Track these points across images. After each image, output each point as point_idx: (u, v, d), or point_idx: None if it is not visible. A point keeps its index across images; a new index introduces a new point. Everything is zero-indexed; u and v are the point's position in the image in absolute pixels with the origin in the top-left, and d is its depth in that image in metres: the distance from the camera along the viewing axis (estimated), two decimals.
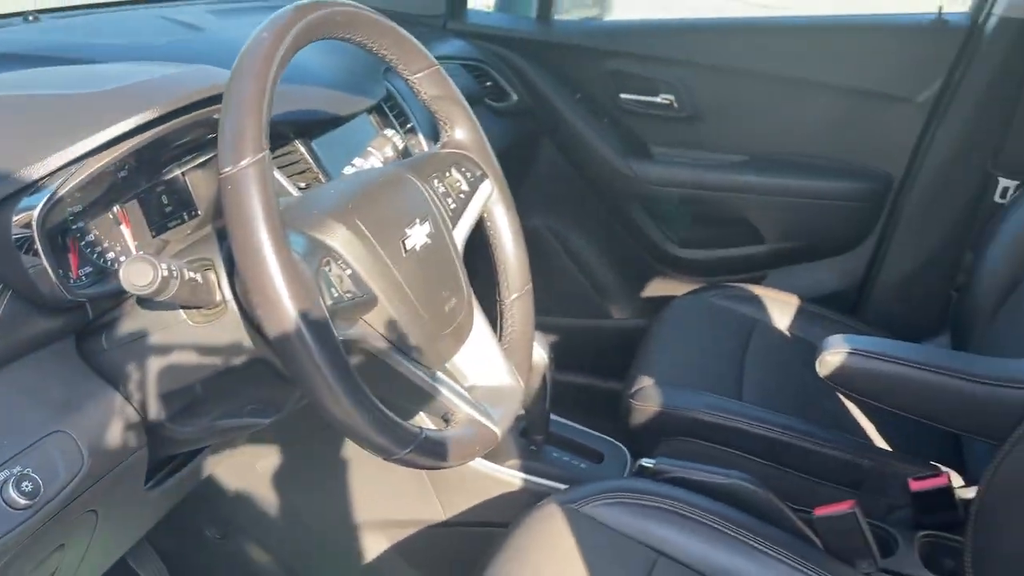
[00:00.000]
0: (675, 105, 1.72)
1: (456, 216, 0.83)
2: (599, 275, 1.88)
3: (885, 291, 1.66)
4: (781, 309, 1.56)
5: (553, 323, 1.90)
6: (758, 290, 1.60)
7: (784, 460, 1.20)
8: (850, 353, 0.96)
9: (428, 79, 0.83)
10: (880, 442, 1.24)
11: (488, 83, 1.72)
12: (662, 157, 1.77)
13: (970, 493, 1.14)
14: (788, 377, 1.38)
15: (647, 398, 1.27)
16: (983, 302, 1.40)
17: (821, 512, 0.99)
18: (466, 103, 0.88)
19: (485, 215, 0.89)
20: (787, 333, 1.52)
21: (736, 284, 1.61)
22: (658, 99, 1.73)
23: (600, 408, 1.63)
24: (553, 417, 1.22)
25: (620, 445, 1.23)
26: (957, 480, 1.15)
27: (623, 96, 1.76)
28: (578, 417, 1.40)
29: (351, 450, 1.18)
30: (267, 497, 1.25)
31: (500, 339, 0.87)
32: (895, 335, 1.54)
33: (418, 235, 0.74)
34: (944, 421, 0.98)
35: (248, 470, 1.23)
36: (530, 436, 1.17)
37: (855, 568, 0.98)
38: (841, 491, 1.18)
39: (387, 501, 1.19)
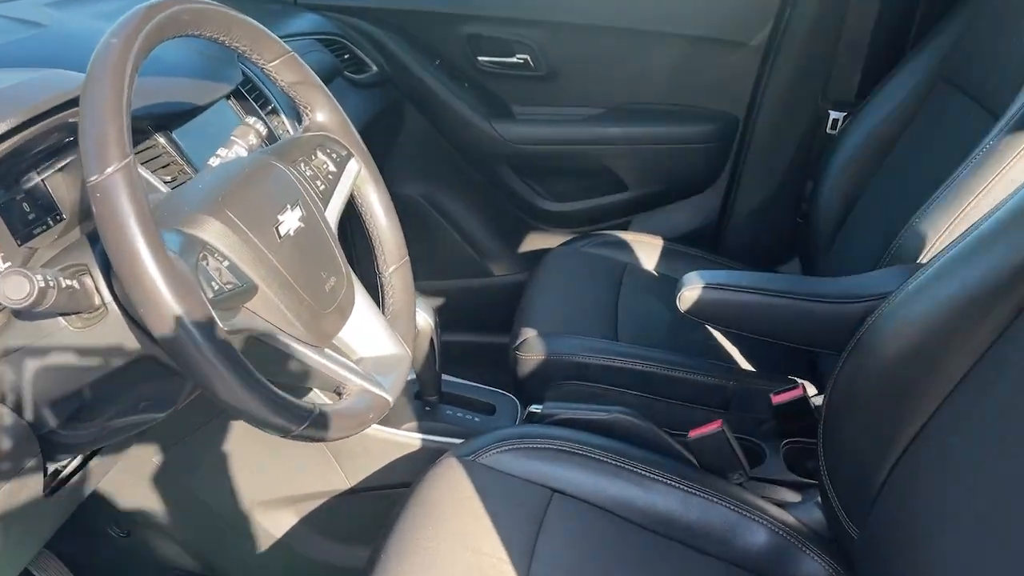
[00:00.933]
0: (531, 64, 1.77)
1: (326, 197, 0.86)
2: (476, 236, 1.94)
3: (739, 225, 1.78)
4: (647, 251, 1.66)
5: (437, 286, 1.95)
6: (625, 235, 1.69)
7: (659, 390, 1.29)
8: (705, 287, 1.06)
9: (283, 66, 0.85)
10: (744, 364, 1.36)
11: (346, 56, 1.72)
12: (524, 116, 1.83)
13: (823, 400, 1.27)
14: (658, 313, 1.48)
15: (531, 349, 1.34)
16: (823, 227, 1.54)
17: (694, 434, 1.09)
18: (323, 86, 0.90)
19: (355, 193, 0.93)
20: (654, 272, 1.62)
21: (605, 232, 1.70)
22: (514, 59, 1.78)
23: (489, 362, 1.70)
24: (444, 377, 1.27)
25: (510, 396, 1.30)
26: (812, 390, 1.28)
27: (480, 59, 1.80)
28: (469, 372, 1.46)
29: (250, 432, 1.20)
30: (169, 488, 1.25)
31: (383, 311, 0.91)
32: (750, 264, 1.67)
33: (290, 220, 0.77)
34: (792, 339, 1.09)
35: (145, 464, 1.23)
36: (424, 398, 1.22)
37: (728, 479, 1.08)
38: (712, 412, 1.29)
39: (291, 477, 1.22)
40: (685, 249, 1.67)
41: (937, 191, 1.14)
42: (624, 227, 1.86)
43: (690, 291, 1.07)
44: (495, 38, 1.78)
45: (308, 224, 0.79)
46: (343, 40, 1.73)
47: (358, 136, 0.93)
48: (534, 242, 1.93)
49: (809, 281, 1.12)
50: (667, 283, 1.59)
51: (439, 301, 1.95)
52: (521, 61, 1.77)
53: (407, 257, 0.95)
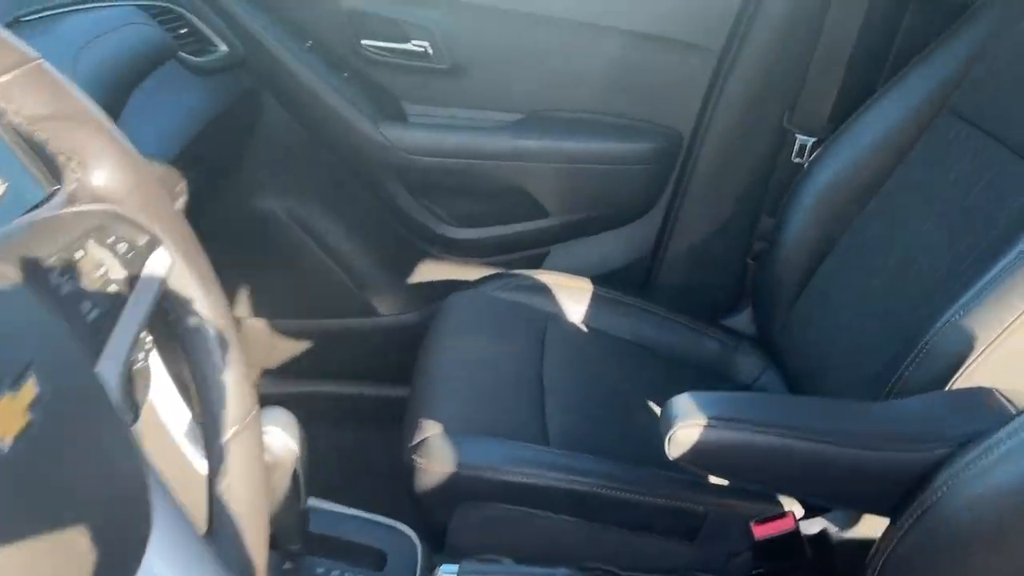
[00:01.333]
0: (431, 53, 1.39)
1: (101, 335, 0.47)
2: (356, 265, 1.54)
3: (677, 263, 1.48)
4: (572, 297, 1.34)
5: (303, 327, 1.54)
6: (544, 276, 1.36)
7: (604, 516, 0.98)
8: (708, 426, 0.73)
9: (19, 86, 0.45)
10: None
11: (183, 30, 1.29)
12: (420, 119, 1.45)
13: (813, 527, 1.00)
14: (595, 394, 1.17)
15: (434, 455, 0.99)
16: (787, 276, 1.27)
17: None
18: (104, 117, 0.51)
19: (166, 306, 0.54)
20: (583, 328, 1.31)
21: (519, 272, 1.37)
22: (409, 46, 1.39)
23: (376, 421, 1.36)
24: (313, 502, 0.91)
25: (406, 531, 0.95)
26: (798, 510, 1.00)
27: (365, 43, 1.40)
28: (344, 435, 1.10)
29: None
30: None
31: (210, 523, 0.53)
32: (690, 311, 1.38)
33: (11, 415, 0.38)
34: (827, 496, 0.79)
35: None
36: (282, 548, 0.85)
37: None
38: (673, 544, 0.99)
39: None
40: (615, 295, 1.36)
41: (985, 276, 0.86)
42: (541, 259, 1.52)
43: (686, 430, 0.73)
44: (385, 17, 1.38)
45: (52, 410, 0.41)
46: (179, 9, 1.29)
47: (169, 204, 0.54)
48: (431, 273, 1.56)
49: (843, 410, 0.81)
50: (599, 339, 1.30)
51: (306, 345, 1.55)
52: (418, 49, 1.39)
53: (256, 408, 0.58)
